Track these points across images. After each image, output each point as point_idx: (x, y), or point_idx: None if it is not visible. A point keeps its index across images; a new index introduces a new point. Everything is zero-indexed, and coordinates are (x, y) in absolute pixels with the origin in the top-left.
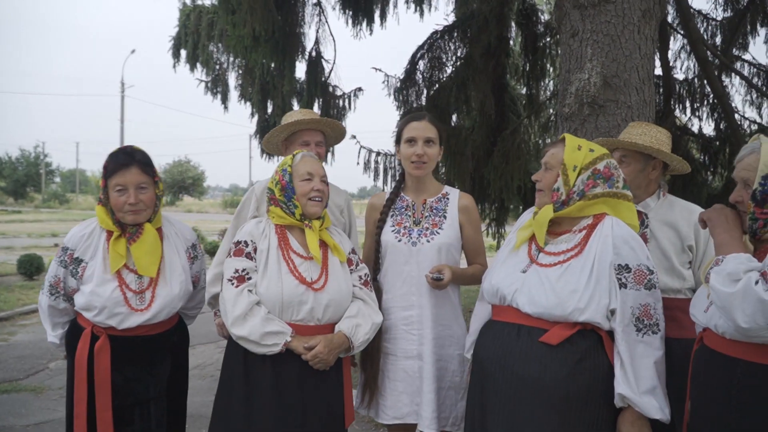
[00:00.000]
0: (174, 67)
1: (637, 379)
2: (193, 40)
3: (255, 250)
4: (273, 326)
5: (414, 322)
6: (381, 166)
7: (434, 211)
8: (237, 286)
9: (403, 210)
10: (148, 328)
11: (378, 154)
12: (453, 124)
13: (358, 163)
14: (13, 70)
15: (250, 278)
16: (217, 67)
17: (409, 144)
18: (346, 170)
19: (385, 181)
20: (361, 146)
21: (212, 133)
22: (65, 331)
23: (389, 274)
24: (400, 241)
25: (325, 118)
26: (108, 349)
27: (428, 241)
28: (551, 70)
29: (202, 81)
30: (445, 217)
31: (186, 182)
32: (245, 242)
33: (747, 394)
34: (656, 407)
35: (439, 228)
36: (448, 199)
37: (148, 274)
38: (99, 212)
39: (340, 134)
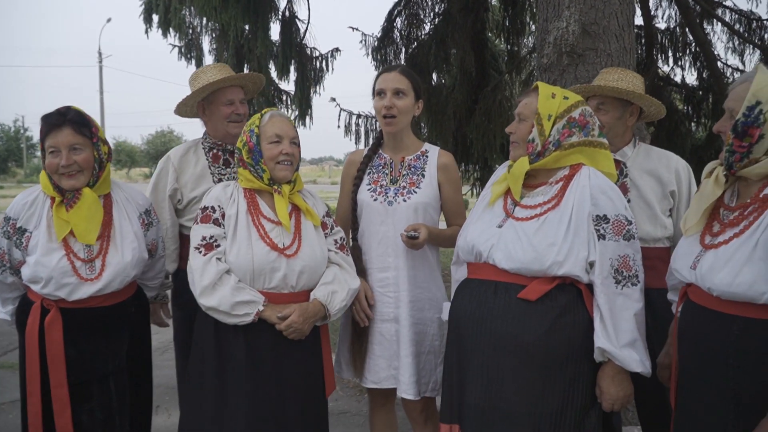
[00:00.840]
0: (146, 32)
1: (617, 332)
2: (164, 4)
3: (223, 215)
4: (244, 295)
5: (390, 284)
6: (362, 129)
7: (412, 169)
8: (205, 254)
9: (380, 168)
10: (101, 298)
11: (359, 116)
12: (433, 83)
13: (338, 126)
14: None
15: (218, 245)
16: (190, 31)
17: (380, 97)
18: (327, 135)
19: (366, 144)
20: (341, 109)
21: None
22: (16, 306)
23: (365, 235)
24: (375, 200)
25: (245, 73)
26: (60, 323)
27: (404, 201)
28: (531, 25)
29: (175, 46)
30: (423, 175)
31: None
32: (212, 207)
33: (746, 352)
34: (637, 360)
35: (417, 187)
36: (427, 157)
37: (87, 241)
38: (42, 178)
39: (258, 87)
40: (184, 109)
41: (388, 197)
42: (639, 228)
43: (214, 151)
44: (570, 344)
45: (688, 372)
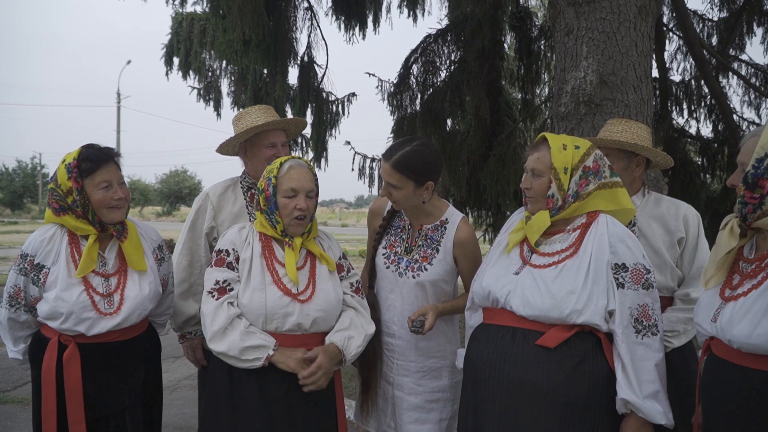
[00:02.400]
0: (167, 74)
1: (640, 383)
2: (185, 48)
3: (237, 259)
4: (253, 340)
5: (395, 351)
6: (376, 173)
7: (428, 240)
8: (217, 299)
9: (399, 231)
10: (119, 333)
11: (373, 160)
12: (448, 129)
13: (352, 170)
14: (8, 83)
15: (231, 289)
16: (210, 74)
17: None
18: (340, 178)
19: (380, 187)
20: (356, 152)
21: (208, 143)
22: (28, 345)
23: (379, 296)
24: (388, 267)
25: (289, 118)
26: (78, 358)
27: (413, 277)
28: (545, 76)
29: (194, 88)
30: (437, 250)
31: (183, 192)
32: (227, 251)
33: (765, 406)
34: (661, 412)
35: (429, 263)
36: (445, 228)
37: (141, 268)
38: (68, 220)
39: (300, 130)
40: (226, 148)
41: (399, 268)
42: None
43: (253, 191)
44: (589, 393)
45: (712, 426)
